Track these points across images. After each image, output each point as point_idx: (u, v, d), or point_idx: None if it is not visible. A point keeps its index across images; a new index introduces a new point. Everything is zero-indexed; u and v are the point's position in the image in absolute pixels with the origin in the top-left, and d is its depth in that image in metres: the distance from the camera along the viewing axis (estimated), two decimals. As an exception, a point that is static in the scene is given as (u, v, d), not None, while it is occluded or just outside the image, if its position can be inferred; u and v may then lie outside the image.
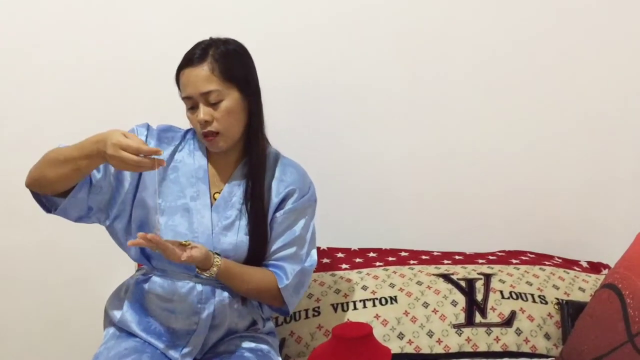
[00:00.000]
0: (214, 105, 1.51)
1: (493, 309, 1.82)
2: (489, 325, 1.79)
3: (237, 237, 1.58)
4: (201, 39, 1.57)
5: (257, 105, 1.59)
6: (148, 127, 1.61)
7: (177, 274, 1.57)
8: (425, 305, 1.83)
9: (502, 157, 2.18)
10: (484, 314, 1.81)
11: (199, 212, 1.57)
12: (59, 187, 1.47)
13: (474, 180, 2.19)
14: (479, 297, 1.84)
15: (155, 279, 1.59)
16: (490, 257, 2.06)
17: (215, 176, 1.62)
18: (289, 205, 1.63)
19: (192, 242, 1.49)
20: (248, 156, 1.62)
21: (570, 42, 2.13)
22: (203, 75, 1.50)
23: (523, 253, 2.12)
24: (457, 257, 2.06)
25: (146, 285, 1.60)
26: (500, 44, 2.12)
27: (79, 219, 1.55)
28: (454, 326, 1.79)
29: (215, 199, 1.60)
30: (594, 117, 2.17)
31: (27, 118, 2.05)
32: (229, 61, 1.53)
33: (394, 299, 1.84)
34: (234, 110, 1.53)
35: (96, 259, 2.09)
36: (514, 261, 2.03)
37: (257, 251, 1.60)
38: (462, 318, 1.80)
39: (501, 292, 1.86)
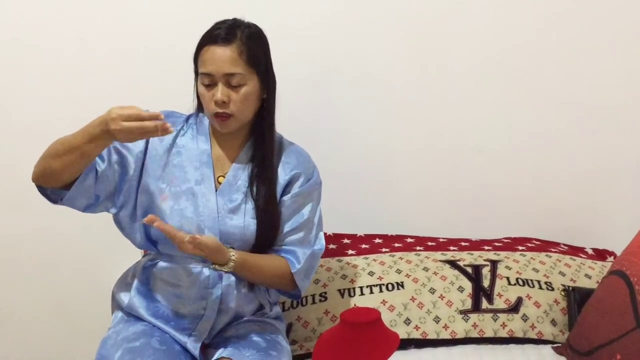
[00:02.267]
0: (234, 87, 1.50)
1: (500, 295, 1.82)
2: (496, 312, 1.80)
3: (244, 220, 1.57)
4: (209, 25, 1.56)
5: (273, 93, 1.59)
6: None
7: (184, 259, 1.57)
8: (432, 291, 1.83)
9: (507, 146, 2.17)
10: (490, 300, 1.81)
11: (204, 195, 1.57)
12: (66, 177, 1.46)
13: (479, 169, 2.18)
14: (486, 283, 1.85)
15: (162, 264, 1.59)
16: (496, 244, 2.06)
17: (219, 160, 1.62)
18: (295, 189, 1.63)
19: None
20: (254, 139, 1.62)
21: (571, 35, 2.12)
22: (230, 56, 1.49)
23: (529, 240, 2.12)
24: (463, 243, 2.06)
25: (153, 271, 1.60)
26: (505, 36, 2.10)
27: (86, 208, 1.55)
28: (461, 312, 1.79)
29: (220, 183, 1.60)
30: (598, 106, 2.16)
31: (27, 108, 2.05)
32: (255, 46, 1.53)
33: (400, 285, 1.84)
34: (251, 96, 1.53)
35: (100, 243, 2.09)
36: (520, 248, 2.03)
37: (266, 235, 1.60)
38: (468, 304, 1.81)
39: (507, 278, 1.86)
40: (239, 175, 1.61)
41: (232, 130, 1.57)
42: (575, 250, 2.09)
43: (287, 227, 1.62)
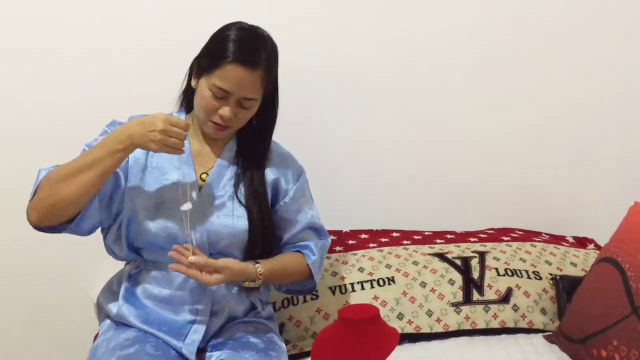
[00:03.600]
0: (243, 107, 1.49)
1: (490, 286, 1.83)
2: (487, 303, 1.81)
3: (233, 219, 1.54)
4: (223, 23, 1.51)
5: (275, 104, 1.59)
6: (115, 123, 1.54)
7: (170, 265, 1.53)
8: (423, 285, 1.83)
9: (489, 139, 2.19)
10: (481, 291, 1.82)
11: (186, 195, 1.52)
12: (82, 202, 1.41)
13: (461, 163, 2.20)
14: (475, 275, 1.85)
15: (149, 271, 1.55)
16: (481, 235, 2.08)
17: (200, 156, 1.58)
18: (290, 190, 1.63)
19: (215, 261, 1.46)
20: (238, 135, 1.60)
21: (551, 29, 2.14)
22: (253, 82, 1.46)
23: (512, 230, 2.14)
24: (448, 236, 2.07)
25: (140, 279, 1.56)
26: (487, 30, 2.12)
27: (90, 232, 1.53)
28: (453, 305, 1.80)
29: (203, 180, 1.56)
30: (578, 101, 2.19)
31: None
32: (273, 70, 1.52)
33: (391, 280, 1.84)
34: (253, 113, 1.53)
35: (80, 249, 2.00)
36: (505, 238, 2.05)
37: (260, 235, 1.57)
38: (460, 296, 1.81)
39: (496, 269, 1.87)
40: (224, 172, 1.58)
41: (224, 137, 1.56)
42: (557, 239, 2.12)
43: (294, 229, 1.63)
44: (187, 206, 1.43)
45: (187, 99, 1.60)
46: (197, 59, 1.53)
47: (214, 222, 1.53)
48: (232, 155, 1.59)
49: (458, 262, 1.89)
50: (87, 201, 1.43)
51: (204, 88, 1.48)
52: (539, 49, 2.15)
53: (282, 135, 1.70)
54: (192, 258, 1.42)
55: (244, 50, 1.45)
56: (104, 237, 1.58)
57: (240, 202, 1.55)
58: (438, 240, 2.02)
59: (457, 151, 2.19)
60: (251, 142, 1.60)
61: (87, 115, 1.86)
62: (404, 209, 2.21)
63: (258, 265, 1.52)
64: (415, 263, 1.88)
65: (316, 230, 1.68)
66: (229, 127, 1.52)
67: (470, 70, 2.13)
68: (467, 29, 2.11)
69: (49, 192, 1.40)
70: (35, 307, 2.11)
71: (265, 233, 1.59)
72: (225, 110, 1.47)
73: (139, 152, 1.52)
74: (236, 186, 1.56)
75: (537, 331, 1.80)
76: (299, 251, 1.63)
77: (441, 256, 1.91)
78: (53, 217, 1.43)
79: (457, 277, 1.85)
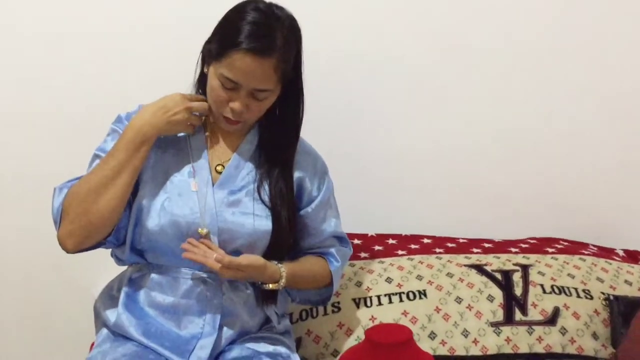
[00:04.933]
0: (256, 99, 1.32)
1: (534, 305, 1.63)
2: (531, 324, 1.60)
3: (254, 219, 1.36)
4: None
5: (298, 97, 1.39)
6: (122, 119, 1.39)
7: (177, 269, 1.37)
8: (458, 300, 1.63)
9: (528, 139, 2.00)
10: (524, 310, 1.62)
11: (199, 189, 1.36)
12: (119, 210, 1.30)
13: (499, 165, 2.01)
14: (518, 291, 1.65)
15: (153, 276, 1.38)
16: (523, 245, 1.87)
17: (216, 146, 1.41)
18: (315, 197, 1.47)
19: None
20: (259, 125, 1.43)
21: (594, 21, 1.95)
22: (265, 72, 1.27)
23: (556, 240, 1.94)
24: (486, 245, 1.87)
25: (142, 284, 1.39)
26: (526, 26, 1.93)
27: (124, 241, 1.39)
28: (492, 324, 1.60)
29: (218, 172, 1.39)
30: (625, 97, 1.99)
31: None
32: (290, 56, 1.31)
33: (422, 294, 1.64)
34: (269, 105, 1.36)
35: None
36: (550, 250, 1.84)
37: (285, 241, 1.41)
38: (500, 315, 1.61)
39: (542, 285, 1.67)
40: (242, 165, 1.40)
41: (237, 130, 1.40)
42: (606, 252, 1.90)
43: (320, 237, 1.49)
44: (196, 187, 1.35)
45: (203, 86, 1.41)
46: (207, 43, 1.35)
47: (227, 219, 1.35)
48: (253, 148, 1.42)
49: (498, 275, 1.69)
50: (124, 208, 1.31)
51: (212, 77, 1.31)
52: (582, 44, 1.96)
53: (305, 128, 1.50)
54: (216, 255, 1.28)
55: (254, 35, 1.25)
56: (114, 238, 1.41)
57: (262, 201, 1.38)
58: (474, 250, 1.82)
59: (495, 151, 2.00)
60: (274, 135, 1.42)
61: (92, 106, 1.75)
62: (435, 212, 2.02)
63: (280, 265, 1.37)
64: (450, 275, 1.69)
65: (339, 238, 1.53)
66: (240, 122, 1.35)
67: (507, 66, 1.94)
68: (507, 25, 1.92)
69: (81, 210, 1.27)
70: (34, 306, 1.97)
71: (292, 238, 1.44)
72: (236, 104, 1.30)
73: None
74: (259, 183, 1.39)
75: (587, 358, 1.59)
76: (320, 256, 1.49)
77: (479, 268, 1.71)
78: (92, 236, 1.30)
79: (497, 293, 1.65)
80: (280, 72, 1.29)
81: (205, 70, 1.35)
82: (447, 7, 1.90)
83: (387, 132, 1.97)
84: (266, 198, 1.39)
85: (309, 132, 1.52)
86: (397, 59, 1.91)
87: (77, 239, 1.29)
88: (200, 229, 1.31)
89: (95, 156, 1.36)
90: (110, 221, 1.30)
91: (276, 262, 1.37)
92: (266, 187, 1.39)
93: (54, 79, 1.81)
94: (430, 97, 1.96)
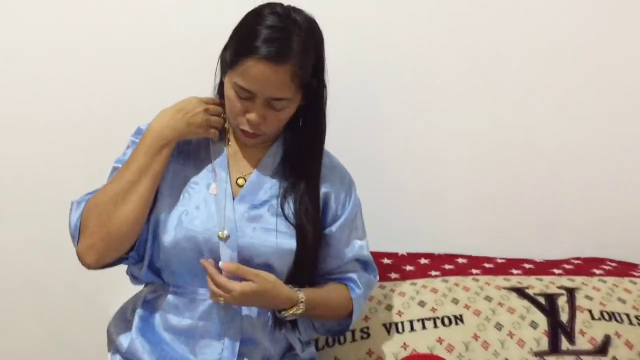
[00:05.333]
0: (274, 109, 1.22)
1: (582, 332, 1.49)
2: (579, 353, 1.46)
3: (277, 236, 1.26)
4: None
5: (322, 99, 1.29)
6: (142, 130, 1.30)
7: (194, 290, 1.27)
8: (499, 327, 1.50)
9: (574, 149, 1.86)
10: (571, 338, 1.48)
11: (218, 202, 1.26)
12: (142, 219, 1.22)
13: (540, 176, 1.87)
14: (564, 317, 1.51)
15: (169, 297, 1.28)
16: (567, 266, 1.73)
17: (237, 159, 1.32)
18: (340, 217, 1.35)
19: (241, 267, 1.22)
20: (284, 137, 1.33)
21: (622, 22, 1.80)
22: (280, 80, 1.17)
23: (602, 261, 1.79)
24: (526, 265, 1.73)
25: (157, 305, 1.28)
26: (570, 20, 1.79)
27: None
28: (536, 354, 1.46)
29: (239, 186, 1.29)
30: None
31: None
32: (308, 61, 1.20)
33: (459, 319, 1.51)
34: (290, 116, 1.26)
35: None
36: (597, 272, 1.69)
37: (309, 262, 1.30)
38: (544, 344, 1.47)
39: (590, 311, 1.53)
40: (264, 180, 1.30)
41: (258, 143, 1.31)
42: (659, 274, 1.75)
43: (341, 260, 1.35)
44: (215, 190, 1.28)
45: (222, 97, 1.32)
46: (223, 50, 1.26)
47: (248, 235, 1.25)
48: (276, 161, 1.32)
49: (541, 300, 1.55)
50: (145, 219, 1.23)
51: (228, 87, 1.22)
52: (632, 45, 1.81)
53: (330, 137, 1.39)
54: (222, 263, 1.19)
55: (267, 41, 1.15)
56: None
57: (286, 217, 1.28)
58: (514, 271, 1.69)
59: (535, 163, 1.86)
60: (299, 147, 1.32)
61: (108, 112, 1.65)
62: (471, 229, 1.89)
63: (298, 289, 1.26)
64: (488, 299, 1.55)
65: (363, 263, 1.40)
66: (259, 135, 1.25)
67: (550, 67, 1.80)
68: (547, 19, 1.78)
69: (100, 221, 1.19)
70: (47, 324, 1.88)
71: (316, 259, 1.33)
72: (252, 115, 1.21)
73: None
74: (283, 198, 1.29)
75: (642, 393, 1.45)
76: (341, 282, 1.37)
77: (520, 291, 1.57)
78: (113, 249, 1.22)
79: (541, 319, 1.51)
80: (298, 79, 1.19)
81: (223, 79, 1.26)
82: (476, 15, 1.78)
83: (417, 143, 1.85)
84: (290, 214, 1.28)
85: (332, 144, 1.41)
86: (426, 67, 1.80)
87: (97, 253, 1.20)
88: (220, 233, 1.23)
89: (114, 168, 1.28)
90: (132, 232, 1.21)
91: (292, 286, 1.26)
92: (290, 202, 1.29)
93: (54, 85, 1.73)
94: (462, 107, 1.83)
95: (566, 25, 1.79)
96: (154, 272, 1.29)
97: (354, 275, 1.36)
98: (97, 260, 1.21)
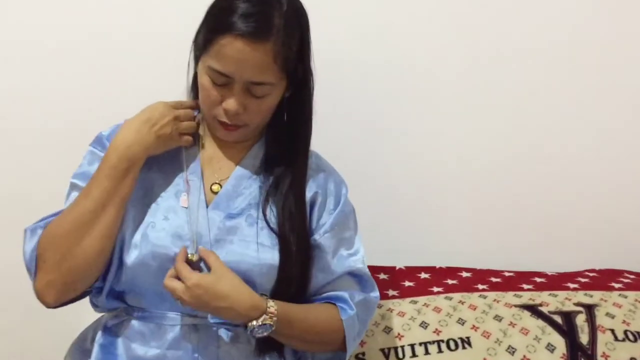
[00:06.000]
0: (254, 97, 1.07)
1: (605, 356, 1.32)
2: (603, 380, 1.30)
3: (258, 248, 1.09)
4: None
5: (309, 89, 1.14)
6: (103, 139, 1.14)
7: (162, 314, 1.09)
8: (511, 350, 1.33)
9: (585, 153, 1.71)
10: (593, 363, 1.32)
11: (190, 212, 1.09)
12: (108, 250, 1.06)
13: (549, 181, 1.72)
14: (584, 338, 1.35)
15: (133, 323, 1.11)
16: (582, 280, 1.57)
17: (212, 162, 1.16)
18: (325, 221, 1.17)
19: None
20: (267, 137, 1.17)
21: None
22: (261, 60, 1.02)
23: (619, 273, 1.63)
24: (537, 279, 1.57)
25: (120, 333, 1.11)
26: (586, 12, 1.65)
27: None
28: (554, 381, 1.29)
29: (214, 193, 1.12)
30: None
31: None
32: (292, 41, 1.05)
33: (466, 342, 1.34)
34: (273, 105, 1.11)
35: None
36: (616, 285, 1.53)
37: (295, 276, 1.12)
38: (563, 369, 1.31)
39: (612, 331, 1.36)
40: (243, 184, 1.14)
41: (238, 140, 1.14)
42: (683, 287, 1.59)
43: (331, 274, 1.16)
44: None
45: (197, 92, 1.16)
46: (196, 35, 1.10)
47: (226, 249, 1.08)
48: (257, 163, 1.16)
49: (557, 318, 1.38)
50: (112, 246, 1.07)
51: (202, 73, 1.07)
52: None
53: (317, 142, 1.24)
54: (201, 248, 1.08)
55: (245, 16, 1.00)
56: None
57: (268, 226, 1.11)
58: (525, 286, 1.52)
59: (542, 168, 1.71)
60: (282, 146, 1.16)
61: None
62: (473, 239, 1.73)
63: (269, 300, 1.07)
64: (498, 318, 1.39)
65: (358, 277, 1.21)
66: (240, 127, 1.09)
67: (561, 66, 1.65)
68: (557, 14, 1.64)
69: (60, 256, 1.03)
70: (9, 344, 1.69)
71: (304, 272, 1.14)
72: (230, 103, 1.05)
73: None
74: (264, 205, 1.12)
75: None
76: (330, 302, 1.17)
77: (533, 309, 1.41)
78: (77, 286, 1.07)
79: (559, 341, 1.34)
80: (281, 60, 1.03)
81: (196, 68, 1.10)
82: (479, 13, 1.64)
83: (414, 147, 1.69)
84: (272, 222, 1.11)
85: (322, 148, 1.26)
86: (425, 67, 1.65)
87: (58, 291, 1.04)
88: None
89: (73, 186, 1.11)
90: (98, 265, 1.06)
91: (262, 294, 1.08)
92: (273, 208, 1.12)
93: (43, 90, 1.58)
94: (463, 108, 1.68)
95: (575, 24, 1.65)
96: (116, 297, 1.12)
97: (344, 294, 1.17)
98: (57, 299, 1.05)
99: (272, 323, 1.05)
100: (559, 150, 1.71)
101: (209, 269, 1.05)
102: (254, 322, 1.04)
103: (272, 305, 1.06)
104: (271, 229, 1.11)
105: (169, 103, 1.12)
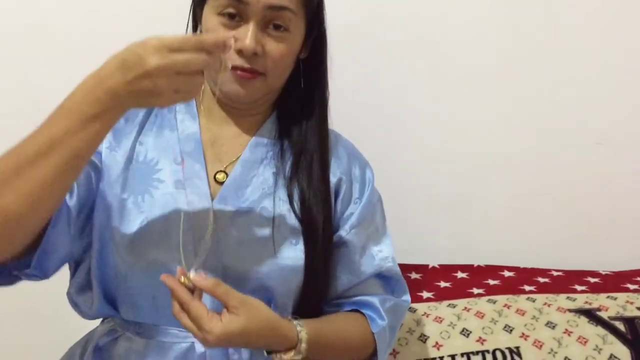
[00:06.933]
0: (271, 35, 0.90)
1: (678, 369, 1.15)
2: (676, 398, 1.12)
3: (276, 252, 0.92)
4: None
5: (323, 49, 0.99)
6: None
7: (164, 331, 0.92)
8: (568, 362, 1.16)
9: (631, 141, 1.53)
10: (664, 377, 1.14)
11: (191, 205, 0.91)
12: (36, 213, 0.77)
13: (598, 167, 1.54)
14: (652, 349, 1.17)
15: (129, 336, 0.93)
16: (640, 279, 1.39)
17: (216, 147, 0.97)
18: (353, 213, 1.00)
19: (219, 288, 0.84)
20: (277, 117, 1.00)
21: None
22: None
23: (680, 270, 1.45)
24: (591, 279, 1.39)
25: (114, 353, 0.93)
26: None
27: (56, 270, 0.89)
28: (620, 399, 1.12)
29: (219, 183, 0.94)
30: None
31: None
32: None
33: (515, 352, 1.17)
34: (292, 53, 0.94)
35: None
36: (681, 286, 1.35)
37: (321, 279, 0.96)
38: (630, 385, 1.13)
39: (685, 340, 1.18)
40: (255, 170, 0.96)
41: (252, 98, 0.93)
42: None
43: (357, 276, 1.00)
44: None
45: None
46: None
47: (234, 254, 0.91)
48: (270, 142, 0.98)
49: (619, 325, 1.21)
50: (49, 213, 0.80)
51: (209, 18, 0.89)
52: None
53: (346, 131, 1.10)
54: (193, 275, 0.82)
55: None
56: (70, 280, 0.97)
57: (287, 220, 0.94)
58: (577, 287, 1.35)
59: (589, 153, 1.53)
60: (299, 119, 0.98)
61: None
62: (512, 233, 1.55)
63: (298, 323, 0.90)
64: (551, 325, 1.21)
65: (387, 279, 1.04)
66: (256, 76, 0.90)
67: (605, 59, 1.48)
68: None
69: None
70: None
71: (327, 271, 0.97)
72: (247, 39, 0.87)
73: (121, 138, 0.94)
74: (282, 193, 0.95)
75: None
76: (357, 311, 1.01)
77: (591, 315, 1.23)
78: None
79: (623, 352, 1.17)
80: None
81: (199, 20, 0.94)
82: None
83: (449, 134, 1.52)
84: (293, 212, 0.94)
85: (351, 136, 1.10)
86: (460, 55, 1.48)
87: None
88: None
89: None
90: (20, 232, 0.78)
91: (291, 318, 0.91)
92: (296, 197, 0.95)
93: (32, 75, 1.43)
94: (502, 96, 1.51)
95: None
96: (109, 301, 0.94)
97: (374, 300, 1.00)
98: None
99: (303, 352, 0.88)
100: (607, 137, 1.53)
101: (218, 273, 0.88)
102: (281, 356, 0.88)
103: (304, 335, 0.88)
104: (290, 223, 0.94)
105: (166, 41, 0.72)
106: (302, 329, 0.89)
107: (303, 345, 0.88)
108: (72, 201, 0.87)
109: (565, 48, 1.49)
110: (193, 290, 0.81)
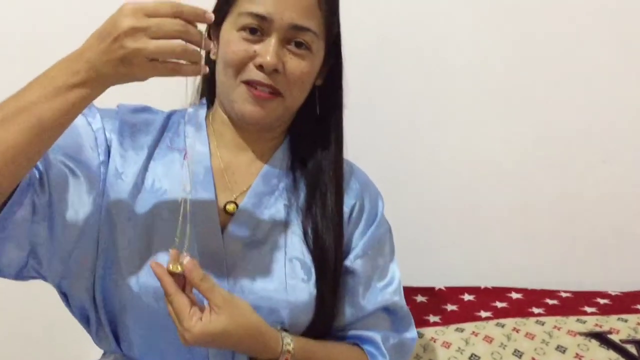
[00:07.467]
0: (293, 52, 0.88)
1: (693, 394, 1.12)
2: None
3: (287, 287, 0.89)
4: None
5: (339, 74, 0.97)
6: (92, 107, 0.91)
7: None
8: (580, 388, 1.13)
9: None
10: (680, 404, 1.11)
11: (200, 237, 0.88)
12: (15, 169, 0.73)
13: (605, 183, 1.51)
14: (666, 373, 1.14)
15: None
16: (652, 300, 1.36)
17: (227, 174, 0.94)
18: (358, 245, 0.97)
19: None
20: (290, 143, 0.98)
21: None
22: (307, 2, 0.87)
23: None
24: (601, 300, 1.37)
25: None
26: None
27: (16, 274, 0.83)
28: None
29: (229, 214, 0.90)
30: None
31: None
32: (335, 3, 0.93)
33: (525, 378, 1.14)
34: (312, 73, 0.92)
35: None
36: (692, 307, 1.33)
37: (329, 312, 0.93)
38: (644, 411, 1.10)
39: (699, 363, 1.16)
40: (267, 201, 0.93)
41: (267, 120, 0.90)
42: None
43: (360, 310, 0.96)
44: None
45: (209, 85, 0.96)
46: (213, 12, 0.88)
47: (246, 289, 0.87)
48: (282, 172, 0.95)
49: (632, 349, 1.18)
50: (11, 181, 0.74)
51: (230, 31, 0.88)
52: None
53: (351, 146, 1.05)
54: (186, 260, 0.78)
55: None
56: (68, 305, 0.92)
57: (300, 253, 0.92)
58: (587, 309, 1.32)
59: (598, 167, 1.51)
60: (313, 145, 0.96)
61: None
62: (520, 253, 1.53)
63: (285, 335, 0.87)
64: (561, 349, 1.19)
65: (392, 313, 0.99)
66: (277, 95, 0.88)
67: (617, 63, 1.46)
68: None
69: None
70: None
71: (335, 302, 0.94)
72: (268, 54, 0.85)
73: (128, 169, 0.89)
74: (297, 225, 0.93)
75: None
76: (357, 345, 0.97)
77: (602, 338, 1.21)
78: None
79: (636, 377, 1.14)
80: (326, 8, 0.88)
81: (213, 52, 0.91)
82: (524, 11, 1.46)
83: (451, 151, 1.51)
84: (306, 250, 0.92)
85: (356, 151, 1.06)
86: (470, 61, 1.47)
87: None
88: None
89: None
90: None
91: (280, 329, 0.88)
92: (309, 231, 0.92)
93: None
94: (512, 103, 1.49)
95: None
96: (112, 333, 0.91)
97: (375, 336, 0.96)
98: None
99: None
100: (616, 145, 1.51)
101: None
102: None
103: (289, 343, 0.86)
104: (301, 257, 0.91)
105: (143, 5, 0.71)
106: (290, 342, 0.86)
107: (288, 354, 0.85)
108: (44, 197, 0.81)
109: (573, 71, 1.47)
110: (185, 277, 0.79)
